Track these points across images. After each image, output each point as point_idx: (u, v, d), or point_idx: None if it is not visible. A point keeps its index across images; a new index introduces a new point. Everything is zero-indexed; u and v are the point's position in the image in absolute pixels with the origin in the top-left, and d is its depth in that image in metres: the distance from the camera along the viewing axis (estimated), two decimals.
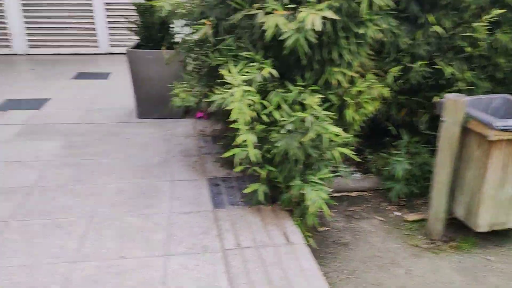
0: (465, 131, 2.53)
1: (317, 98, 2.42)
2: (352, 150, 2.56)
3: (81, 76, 5.80)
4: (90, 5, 6.86)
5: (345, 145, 2.55)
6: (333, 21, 2.37)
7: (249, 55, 2.54)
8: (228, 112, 2.32)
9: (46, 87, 5.20)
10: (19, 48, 6.86)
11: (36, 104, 4.56)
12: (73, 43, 6.99)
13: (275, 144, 2.40)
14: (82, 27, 6.95)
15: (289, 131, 2.40)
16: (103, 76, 5.82)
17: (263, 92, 2.50)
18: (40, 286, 1.96)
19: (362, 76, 2.80)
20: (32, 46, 6.91)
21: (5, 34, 6.77)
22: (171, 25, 3.99)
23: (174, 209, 2.67)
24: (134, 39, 4.36)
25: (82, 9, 6.88)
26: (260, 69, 2.44)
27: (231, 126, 2.35)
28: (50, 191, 2.82)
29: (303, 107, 2.45)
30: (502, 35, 2.91)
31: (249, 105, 2.37)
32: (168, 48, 3.93)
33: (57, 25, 6.88)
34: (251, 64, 2.50)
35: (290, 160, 2.48)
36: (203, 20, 2.68)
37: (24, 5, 6.70)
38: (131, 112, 4.40)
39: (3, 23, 6.72)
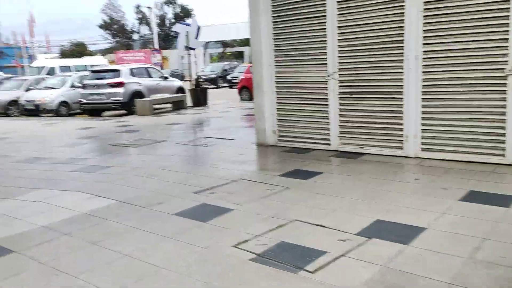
0: None
1: None
2: None
3: (473, 197, 4.53)
4: (503, 98, 5.55)
5: None
6: None
7: None
8: None
9: (425, 207, 4.27)
10: (410, 151, 6.36)
11: (406, 234, 3.67)
12: (471, 148, 5.83)
13: None
14: (486, 128, 5.72)
15: None
16: (504, 201, 4.34)
17: None
18: None
19: None
20: (424, 150, 6.26)
21: (400, 135, 6.44)
22: None
23: None
24: None
25: (491, 110, 5.67)
26: None
27: None
28: None
29: None
30: None
31: None
32: None
33: (456, 128, 5.94)
34: None
35: None
36: None
37: (424, 106, 6.17)
38: None
39: (400, 124, 6.42)
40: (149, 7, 47.50)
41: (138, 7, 66.07)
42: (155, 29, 47.44)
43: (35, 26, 46.86)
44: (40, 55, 53.36)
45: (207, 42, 45.53)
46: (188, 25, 18.12)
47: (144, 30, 66.70)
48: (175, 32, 20.24)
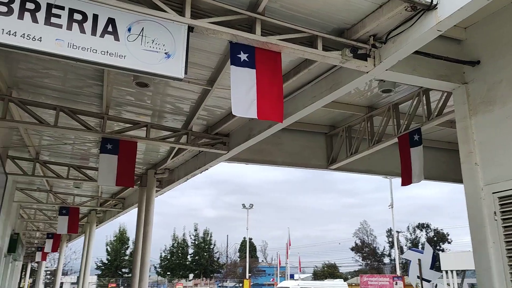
0: None
1: None
2: None
3: None
4: None
5: None
6: None
7: None
8: None
9: None
10: None
11: None
12: None
13: None
14: None
15: None
16: None
17: None
18: None
19: None
20: None
21: None
22: None
23: None
24: None
25: None
26: None
27: None
28: None
29: None
30: None
31: None
32: None
33: None
34: None
35: None
36: None
37: None
38: None
39: None
40: (398, 231, 46.52)
41: (389, 231, 65.96)
42: (397, 255, 45.13)
43: (290, 249, 51.63)
44: (296, 275, 56.94)
45: (464, 271, 39.96)
46: (421, 252, 16.04)
47: (396, 253, 64.67)
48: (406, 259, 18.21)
